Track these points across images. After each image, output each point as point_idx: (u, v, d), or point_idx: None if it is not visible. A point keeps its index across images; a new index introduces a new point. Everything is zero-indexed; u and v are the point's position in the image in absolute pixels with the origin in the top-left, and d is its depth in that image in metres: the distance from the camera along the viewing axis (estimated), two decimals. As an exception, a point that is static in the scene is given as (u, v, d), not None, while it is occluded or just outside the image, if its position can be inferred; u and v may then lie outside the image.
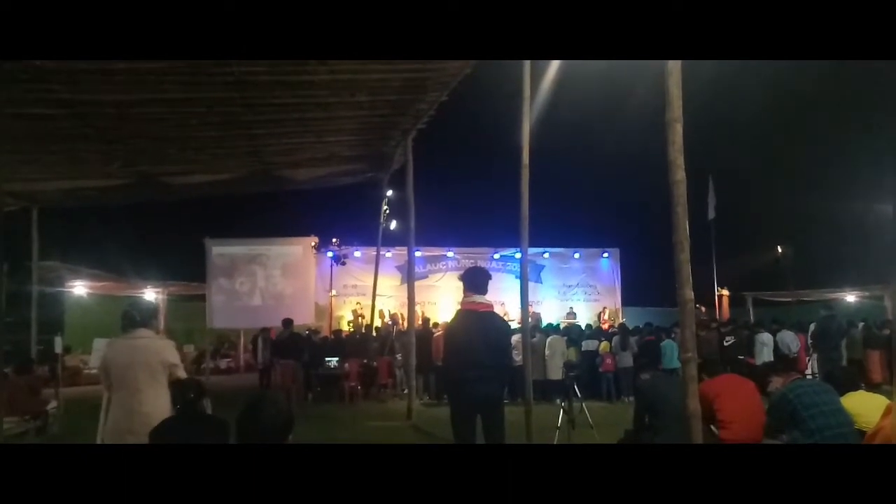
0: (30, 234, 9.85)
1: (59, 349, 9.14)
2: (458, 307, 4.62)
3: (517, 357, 8.48)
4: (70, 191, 9.28)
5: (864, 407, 4.08)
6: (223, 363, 18.68)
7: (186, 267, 17.75)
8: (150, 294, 16.95)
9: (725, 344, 12.34)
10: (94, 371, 12.39)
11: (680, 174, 3.71)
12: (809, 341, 12.23)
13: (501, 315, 13.41)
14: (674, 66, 3.66)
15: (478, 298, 4.46)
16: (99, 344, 7.06)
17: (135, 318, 3.85)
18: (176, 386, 3.24)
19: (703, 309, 18.17)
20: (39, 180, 8.86)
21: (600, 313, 19.12)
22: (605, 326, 17.16)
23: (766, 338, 12.13)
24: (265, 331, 13.57)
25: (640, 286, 20.98)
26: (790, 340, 12.34)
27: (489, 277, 4.60)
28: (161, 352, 3.82)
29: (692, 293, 3.63)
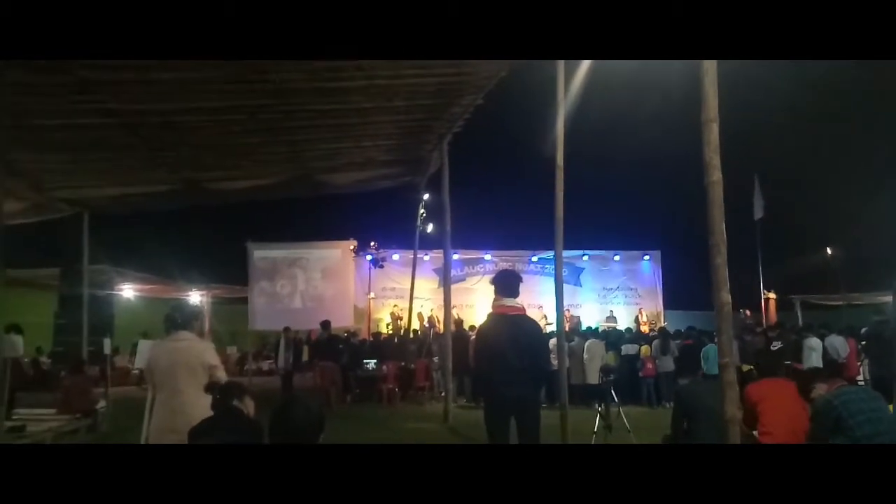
0: (81, 238, 10.21)
1: (107, 350, 9.47)
2: (490, 311, 4.63)
3: (555, 361, 8.43)
4: (118, 197, 9.61)
5: (915, 415, 3.93)
6: (265, 365, 19.03)
7: (229, 270, 18.22)
8: (195, 297, 17.40)
9: (772, 349, 11.99)
10: (140, 367, 12.80)
11: (716, 175, 3.63)
12: (861, 345, 11.79)
13: (538, 318, 13.21)
14: (709, 66, 3.60)
15: (508, 302, 4.46)
16: (142, 346, 7.28)
17: (176, 320, 3.99)
18: (213, 388, 3.32)
19: (749, 313, 17.70)
20: (90, 187, 9.20)
21: (637, 315, 18.82)
22: (644, 329, 16.87)
23: (814, 343, 11.69)
24: (288, 331, 13.24)
25: (682, 289, 20.54)
26: (839, 345, 11.88)
27: (520, 280, 4.59)
28: (201, 354, 3.94)
29: (729, 297, 3.55)
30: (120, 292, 14.67)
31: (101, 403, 8.59)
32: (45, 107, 6.21)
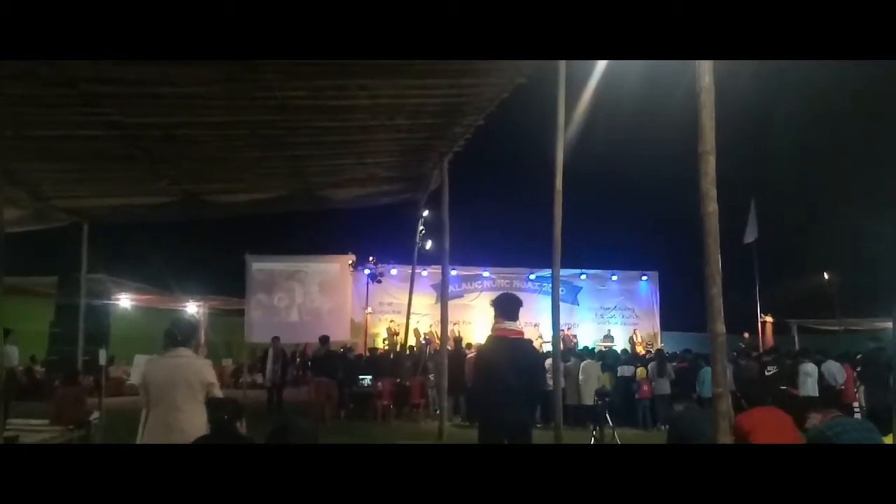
0: (80, 248, 10.20)
1: (102, 361, 9.43)
2: (490, 333, 4.66)
3: (550, 381, 8.43)
4: (119, 207, 9.61)
5: (909, 448, 3.93)
6: (260, 377, 18.95)
7: (227, 282, 18.23)
8: (192, 308, 17.37)
9: (767, 374, 11.98)
10: (135, 383, 12.75)
11: (712, 206, 3.67)
12: (856, 371, 11.79)
13: (535, 338, 13.20)
14: (706, 99, 3.65)
15: (508, 325, 4.50)
16: (139, 360, 7.26)
17: (176, 337, 4.01)
18: (212, 405, 3.33)
19: (747, 335, 17.70)
20: (90, 197, 9.20)
21: (632, 336, 18.80)
22: (640, 350, 16.86)
23: (810, 368, 11.69)
24: (276, 342, 13.13)
25: (679, 310, 20.58)
26: (836, 371, 11.86)
27: (520, 304, 4.64)
28: (200, 371, 3.96)
29: (724, 328, 3.58)
30: (117, 302, 14.64)
31: (95, 415, 8.52)
32: (48, 118, 6.25)
